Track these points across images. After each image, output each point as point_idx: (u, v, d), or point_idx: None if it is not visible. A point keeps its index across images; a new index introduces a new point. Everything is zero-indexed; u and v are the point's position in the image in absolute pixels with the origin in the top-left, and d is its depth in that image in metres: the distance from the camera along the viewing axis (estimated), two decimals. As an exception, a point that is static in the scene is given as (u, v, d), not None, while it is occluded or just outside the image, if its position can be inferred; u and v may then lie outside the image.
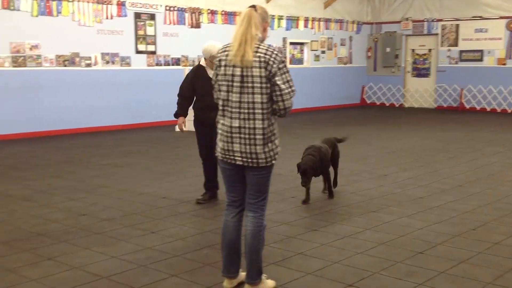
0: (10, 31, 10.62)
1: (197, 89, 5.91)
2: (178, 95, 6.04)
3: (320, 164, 6.02)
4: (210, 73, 5.73)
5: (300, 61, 16.63)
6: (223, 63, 3.55)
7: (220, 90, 3.59)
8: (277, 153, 3.61)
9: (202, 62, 5.94)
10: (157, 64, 13.05)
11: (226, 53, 3.56)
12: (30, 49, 10.96)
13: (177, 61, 13.42)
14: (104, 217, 5.49)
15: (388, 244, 4.73)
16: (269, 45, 3.56)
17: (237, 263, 3.77)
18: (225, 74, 3.54)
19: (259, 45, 3.48)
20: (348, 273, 4.08)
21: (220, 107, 3.60)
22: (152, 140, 10.83)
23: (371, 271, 4.12)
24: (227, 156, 3.59)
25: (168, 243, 4.76)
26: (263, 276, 3.75)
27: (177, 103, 6.07)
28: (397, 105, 17.89)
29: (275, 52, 3.50)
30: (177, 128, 6.07)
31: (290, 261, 4.33)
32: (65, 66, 11.54)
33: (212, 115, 5.76)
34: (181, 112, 6.08)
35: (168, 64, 13.21)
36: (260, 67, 3.44)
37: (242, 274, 3.81)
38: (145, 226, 5.24)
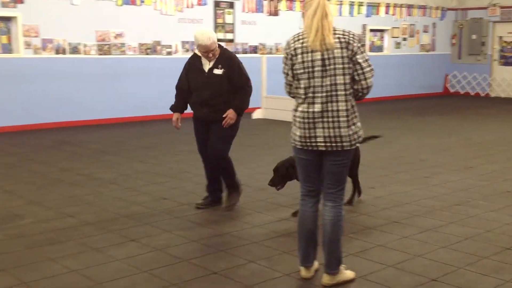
0: (96, 20, 11.04)
1: (190, 81, 5.23)
2: (175, 87, 5.43)
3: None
4: (205, 63, 5.15)
5: (380, 49, 16.23)
6: (299, 51, 3.52)
7: (299, 79, 3.56)
8: (360, 136, 3.60)
9: (197, 51, 5.21)
10: (234, 52, 13.13)
11: (301, 41, 3.54)
12: (115, 37, 11.36)
13: (254, 49, 13.46)
14: (184, 202, 5.61)
15: (474, 239, 4.54)
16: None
17: (314, 252, 3.77)
18: (303, 62, 3.51)
19: (335, 28, 3.51)
20: (431, 268, 3.95)
21: (302, 96, 3.56)
22: (230, 127, 10.95)
23: (455, 266, 3.97)
24: (308, 143, 3.56)
25: (246, 230, 4.80)
26: (342, 266, 3.71)
27: (175, 96, 5.46)
28: (482, 95, 17.10)
29: (352, 32, 3.55)
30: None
31: (370, 252, 4.25)
32: (147, 54, 11.87)
33: (205, 111, 5.19)
34: (174, 106, 5.42)
35: (246, 52, 13.28)
36: (341, 48, 3.46)
37: (316, 262, 3.83)
38: (224, 212, 5.30)
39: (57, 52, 10.67)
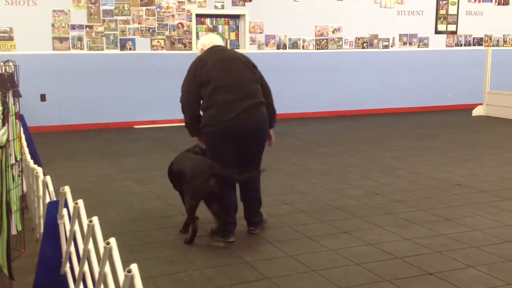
0: (316, 15, 11.36)
1: None
2: None
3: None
4: None
5: None
6: None
7: None
8: None
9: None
10: (456, 45, 12.44)
11: None
12: (333, 32, 11.55)
13: (479, 41, 12.57)
14: (396, 198, 5.48)
15: None
16: None
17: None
18: None
19: None
20: None
21: None
22: (446, 124, 10.44)
23: None
24: None
25: (464, 233, 4.51)
26: None
27: None
28: None
29: None
30: None
31: None
32: (363, 48, 11.85)
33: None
34: None
35: (469, 45, 12.47)
36: None
37: None
38: (439, 212, 5.06)
39: (278, 48, 11.23)
